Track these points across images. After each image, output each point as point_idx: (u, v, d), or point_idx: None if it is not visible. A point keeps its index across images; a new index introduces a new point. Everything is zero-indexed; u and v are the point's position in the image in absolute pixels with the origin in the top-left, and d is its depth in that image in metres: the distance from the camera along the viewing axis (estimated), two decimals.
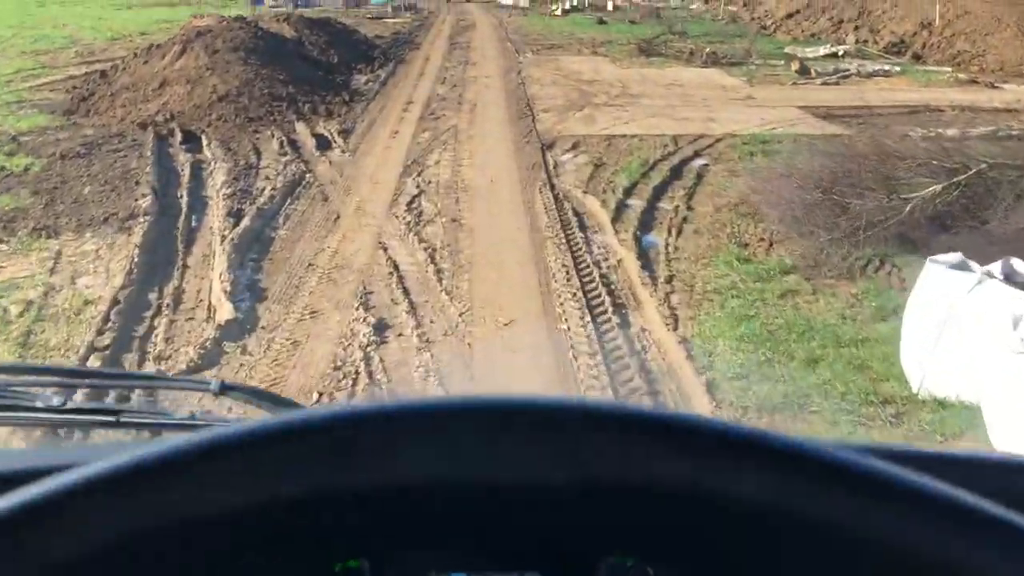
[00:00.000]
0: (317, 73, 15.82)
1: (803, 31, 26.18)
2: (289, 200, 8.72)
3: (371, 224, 8.00)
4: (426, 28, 29.77)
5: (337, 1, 44.74)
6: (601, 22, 30.76)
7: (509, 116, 13.48)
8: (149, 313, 5.95)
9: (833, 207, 7.41)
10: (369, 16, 35.66)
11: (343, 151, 10.94)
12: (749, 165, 10.17)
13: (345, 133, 11.93)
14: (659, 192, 9.15)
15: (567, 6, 40.25)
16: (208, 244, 7.39)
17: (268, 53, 14.62)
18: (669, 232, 7.83)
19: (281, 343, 5.49)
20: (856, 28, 24.33)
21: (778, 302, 6.17)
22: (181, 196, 8.78)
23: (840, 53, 20.60)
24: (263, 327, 5.74)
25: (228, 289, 6.18)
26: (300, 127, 12.03)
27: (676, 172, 10.00)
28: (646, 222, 8.15)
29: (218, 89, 12.61)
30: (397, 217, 8.18)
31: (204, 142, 11.11)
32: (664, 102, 14.67)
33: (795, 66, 17.59)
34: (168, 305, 6.07)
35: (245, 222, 7.81)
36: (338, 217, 8.23)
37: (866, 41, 23.46)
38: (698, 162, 10.52)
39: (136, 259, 6.79)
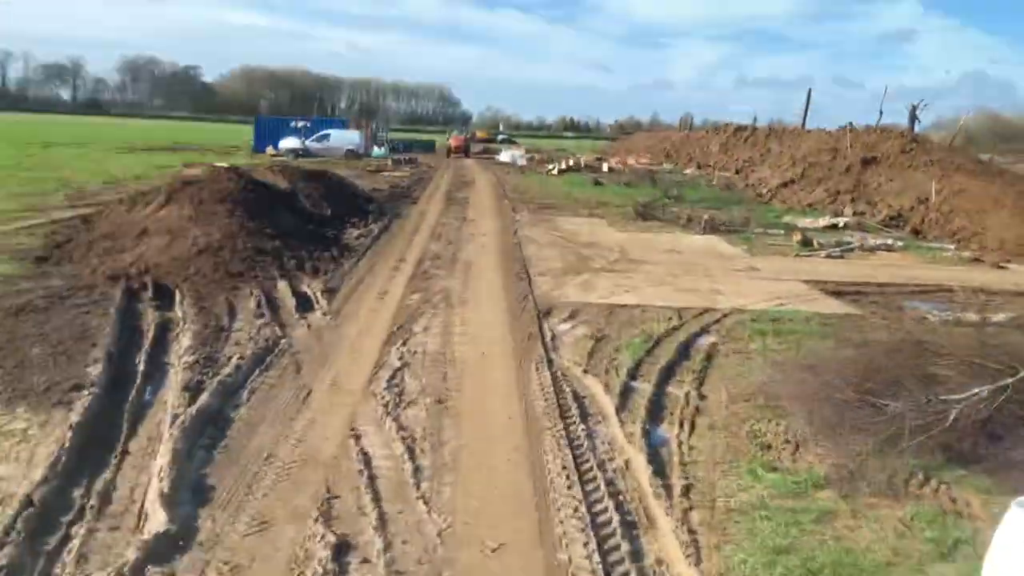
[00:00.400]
0: (307, 226, 15.35)
1: (799, 201, 26.30)
2: (258, 371, 7.86)
3: (345, 404, 7.11)
4: (424, 183, 29.97)
5: (339, 151, 45.67)
6: (597, 183, 31.04)
7: (504, 278, 12.87)
8: (67, 518, 4.95)
9: (865, 406, 6.59)
10: (369, 168, 36.11)
11: (325, 313, 10.19)
12: (762, 347, 9.42)
13: (330, 293, 11.23)
14: (667, 374, 8.34)
15: (563, 166, 41.00)
16: (157, 424, 6.47)
17: (257, 205, 14.18)
18: (681, 426, 6.95)
19: (217, 568, 4.48)
20: (853, 200, 24.41)
21: (815, 528, 5.22)
22: (138, 363, 7.91)
23: (840, 225, 20.42)
24: (200, 543, 4.74)
25: (167, 489, 5.22)
26: (282, 285, 11.33)
27: (683, 351, 9.22)
28: (655, 411, 7.28)
29: (199, 241, 12.01)
30: (375, 396, 7.30)
31: (177, 298, 10.36)
32: (665, 270, 14.15)
33: (797, 237, 17.26)
34: (92, 507, 5.08)
35: (204, 398, 6.90)
36: (309, 393, 7.34)
37: (864, 213, 23.44)
38: (706, 340, 9.77)
39: (68, 443, 5.85)
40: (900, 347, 7.41)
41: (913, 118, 32.82)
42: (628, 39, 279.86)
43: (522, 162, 44.99)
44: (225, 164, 19.10)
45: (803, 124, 48.72)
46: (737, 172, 45.24)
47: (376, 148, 55.75)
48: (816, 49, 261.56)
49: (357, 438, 6.35)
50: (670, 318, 10.67)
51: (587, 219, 21.07)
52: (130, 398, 6.99)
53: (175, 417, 6.49)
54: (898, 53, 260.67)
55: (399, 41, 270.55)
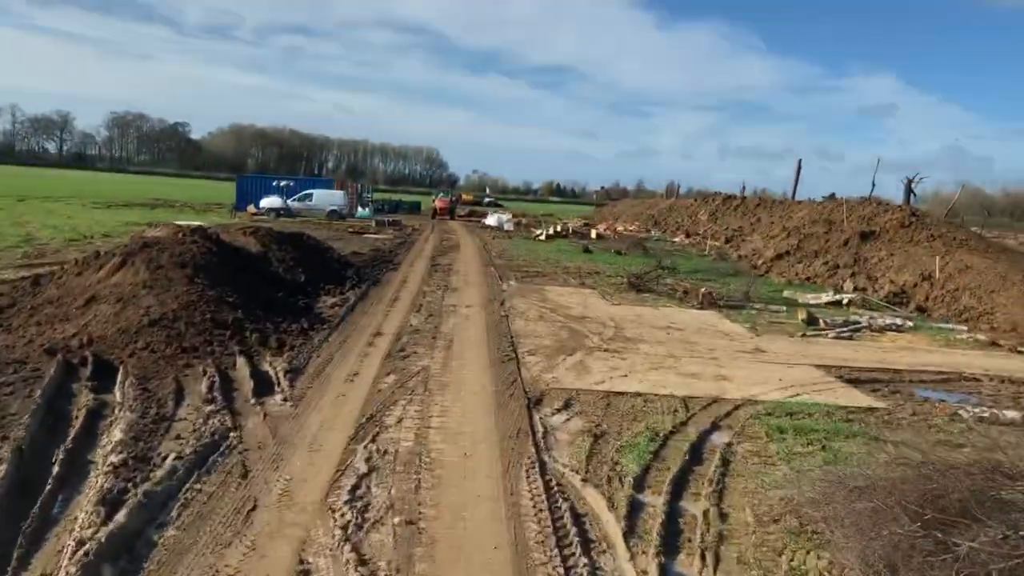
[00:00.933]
0: (277, 294, 14.17)
1: (797, 274, 25.39)
2: (197, 475, 6.59)
3: (296, 523, 5.85)
4: (408, 246, 28.93)
5: (322, 212, 44.71)
6: (587, 251, 30.10)
7: (490, 358, 11.68)
8: None
9: (930, 542, 5.39)
10: (352, 230, 35.06)
11: (285, 399, 8.95)
12: (784, 449, 8.24)
13: (293, 373, 9.99)
14: (679, 484, 7.13)
15: (551, 232, 40.17)
16: (57, 553, 5.18)
17: (222, 270, 13.00)
18: (703, 559, 5.72)
19: None
20: (853, 275, 23.51)
21: None
22: (54, 461, 6.63)
23: (844, 302, 19.43)
24: None
25: None
26: (241, 363, 10.10)
27: (695, 452, 8.04)
28: (670, 537, 6.05)
29: (152, 311, 10.78)
30: (334, 513, 6.04)
31: (119, 377, 9.11)
32: (665, 350, 13.01)
33: (802, 315, 16.23)
34: None
35: (122, 516, 5.63)
36: (254, 508, 6.08)
37: (865, 289, 22.52)
38: (719, 438, 8.59)
39: None
40: (957, 462, 6.24)
41: (909, 191, 32.28)
42: (614, 107, 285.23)
43: (509, 227, 44.21)
44: (196, 223, 17.96)
45: (793, 194, 48.41)
46: (727, 241, 44.64)
47: (360, 209, 54.97)
48: (798, 121, 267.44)
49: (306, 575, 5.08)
50: (676, 410, 9.50)
51: (577, 289, 19.99)
52: (32, 513, 5.71)
53: (80, 543, 5.21)
54: (878, 127, 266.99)
55: (387, 103, 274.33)
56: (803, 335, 15.08)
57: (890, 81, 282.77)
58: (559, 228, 42.50)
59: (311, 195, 45.75)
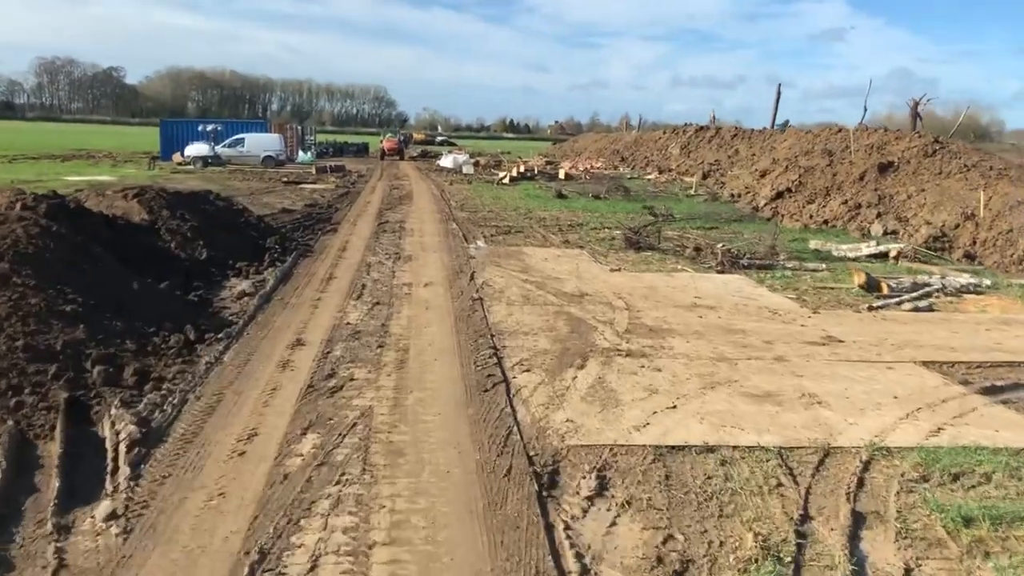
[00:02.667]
0: (159, 285, 10.01)
1: (810, 217, 21.70)
2: None
3: None
4: (351, 198, 24.63)
5: (256, 158, 39.92)
6: (560, 196, 26.09)
7: (465, 383, 7.81)
8: None
9: None
10: (287, 179, 30.46)
11: (114, 515, 5.00)
12: (1001, 569, 4.54)
13: (147, 443, 6.02)
14: None
15: (515, 173, 36.02)
16: None
17: (64, 259, 8.83)
18: None
19: None
20: (879, 216, 19.91)
21: None
22: None
23: (892, 254, 15.78)
24: None
25: None
26: (61, 427, 6.08)
27: None
28: None
29: None
30: None
31: None
32: (708, 347, 9.24)
33: (859, 279, 12.54)
34: None
35: None
36: None
37: (896, 232, 18.95)
38: (878, 550, 4.86)
39: None
40: None
41: (916, 116, 28.68)
42: (563, 39, 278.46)
43: (468, 169, 39.79)
44: (92, 180, 13.55)
45: (772, 123, 44.73)
46: (704, 177, 41.00)
47: (302, 153, 50.13)
48: (748, 49, 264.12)
49: None
50: (777, 481, 5.81)
51: (563, 250, 16.09)
52: None
53: None
54: (827, 52, 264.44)
55: (332, 42, 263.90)
56: (870, 308, 11.39)
57: (838, 5, 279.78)
58: (522, 169, 38.28)
59: (243, 140, 40.83)
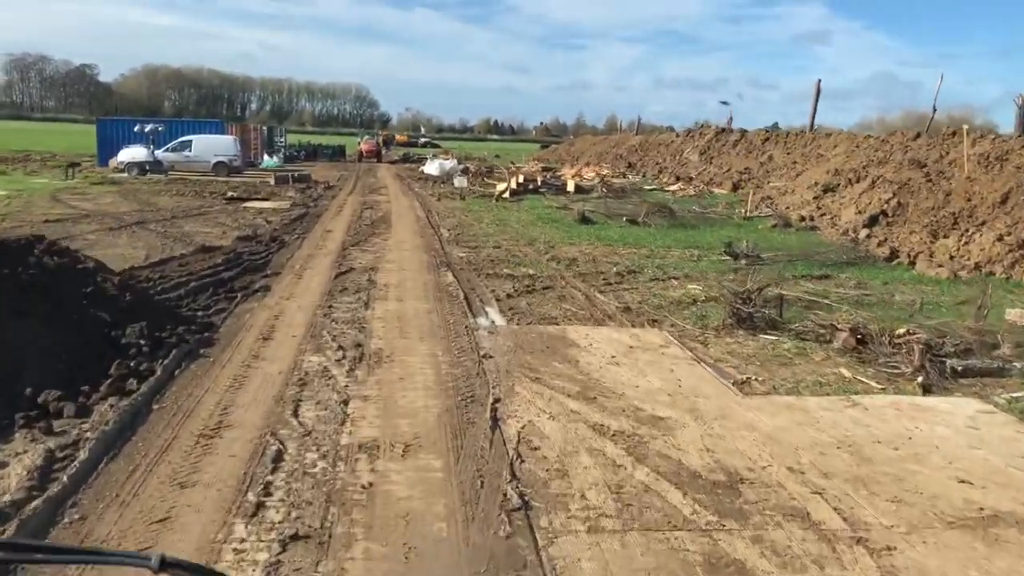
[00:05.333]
0: None
1: (951, 258, 15.52)
2: None
3: None
4: (306, 226, 18.21)
5: (206, 165, 33.42)
6: (584, 220, 19.74)
7: None
8: None
9: None
10: (230, 195, 23.86)
11: None
12: None
13: None
14: None
15: (514, 185, 29.74)
16: None
17: None
18: None
19: None
20: None
21: None
22: None
23: None
24: None
25: None
26: None
27: None
28: None
29: None
30: None
31: None
32: None
33: None
34: None
35: None
36: None
37: None
38: None
39: None
40: None
41: None
42: (544, 40, 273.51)
43: (461, 181, 33.18)
44: None
45: (811, 124, 38.71)
46: (735, 188, 34.91)
47: (267, 157, 43.62)
48: (729, 51, 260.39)
49: None
50: None
51: (631, 333, 9.86)
52: None
53: None
54: (808, 55, 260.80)
55: (312, 41, 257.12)
56: None
57: (818, 8, 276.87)
58: (521, 179, 31.98)
59: (189, 143, 34.18)
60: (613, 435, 6.37)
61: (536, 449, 6.05)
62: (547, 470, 5.70)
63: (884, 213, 19.56)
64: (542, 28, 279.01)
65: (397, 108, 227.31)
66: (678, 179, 39.52)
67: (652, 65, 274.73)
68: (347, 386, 7.33)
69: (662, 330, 9.94)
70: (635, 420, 6.74)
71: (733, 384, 7.90)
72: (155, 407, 6.68)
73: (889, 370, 8.52)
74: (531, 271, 13.41)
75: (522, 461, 5.82)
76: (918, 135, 26.49)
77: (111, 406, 6.53)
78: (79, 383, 6.86)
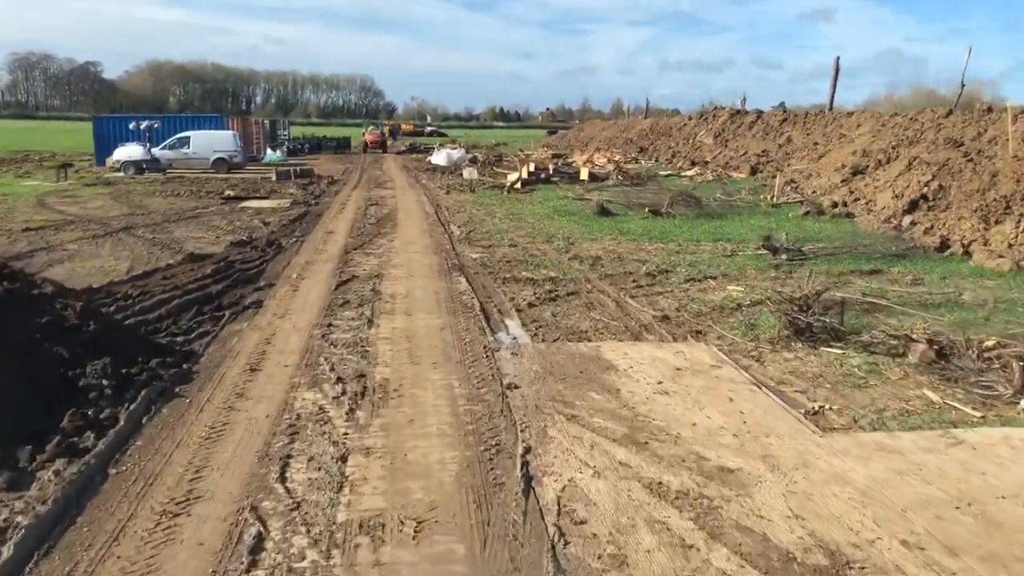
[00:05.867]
0: None
1: (1010, 246, 14.17)
2: None
3: None
4: (307, 226, 16.99)
5: (204, 162, 32.22)
6: (604, 211, 18.45)
7: None
8: None
9: None
10: (229, 194, 22.67)
11: None
12: None
13: None
14: None
15: (525, 175, 28.42)
16: None
17: None
18: None
19: None
20: None
21: None
22: None
23: None
24: None
25: None
26: None
27: None
28: None
29: None
30: None
31: None
32: None
33: None
34: None
35: None
36: None
37: None
38: None
39: None
40: None
41: None
42: (548, 25, 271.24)
43: (471, 173, 31.75)
44: None
45: (830, 104, 37.20)
46: (754, 172, 33.54)
47: (270, 152, 42.43)
48: (734, 31, 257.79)
49: None
50: None
51: (673, 349, 8.64)
52: None
53: None
54: (814, 33, 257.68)
55: (317, 32, 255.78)
56: None
57: None
58: (532, 168, 30.63)
59: (187, 139, 32.96)
60: (676, 498, 5.12)
61: (582, 524, 4.81)
62: (599, 556, 4.46)
63: (924, 197, 18.19)
64: (546, 13, 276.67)
65: (402, 98, 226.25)
66: (693, 164, 38.11)
67: (657, 48, 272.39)
68: (346, 434, 6.10)
69: (709, 344, 8.67)
70: (699, 474, 5.48)
71: (805, 416, 6.63)
72: (112, 471, 5.47)
73: (983, 391, 7.23)
74: (552, 273, 12.15)
75: (566, 543, 4.59)
76: (950, 112, 25.03)
77: (56, 473, 5.33)
78: (19, 443, 5.65)
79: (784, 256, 13.01)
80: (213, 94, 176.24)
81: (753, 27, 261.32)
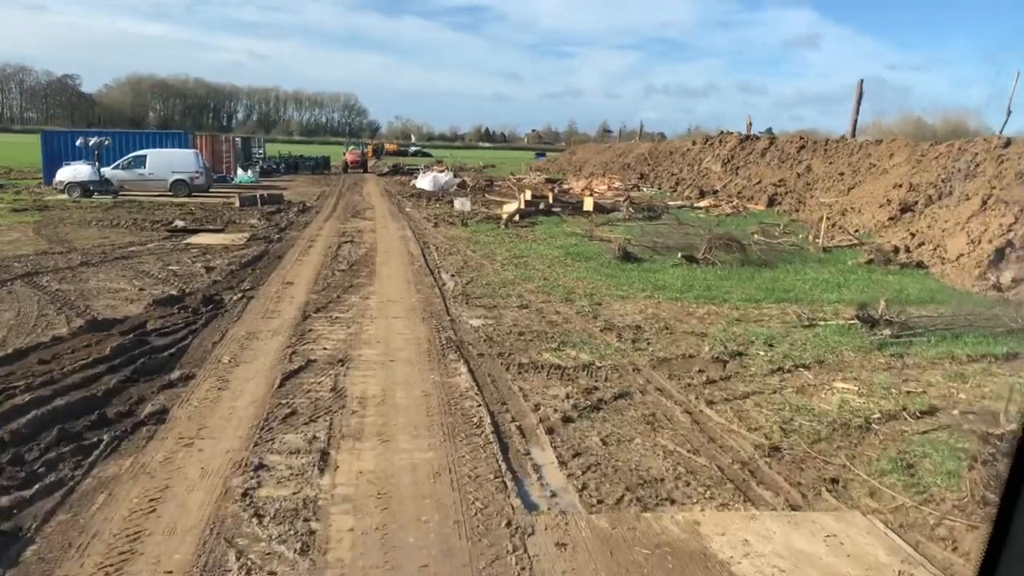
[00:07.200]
0: None
1: None
2: None
3: None
4: (262, 273, 13.59)
5: (163, 184, 28.75)
6: (627, 256, 15.17)
7: None
8: None
9: None
10: (177, 226, 19.22)
11: None
12: None
13: None
14: None
15: (522, 204, 25.18)
16: None
17: None
18: None
19: None
20: None
21: None
22: None
23: None
24: None
25: None
26: None
27: None
28: None
29: None
30: None
31: None
32: None
33: None
34: None
35: None
36: None
37: None
38: None
39: None
40: None
41: None
42: (535, 47, 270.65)
43: (463, 204, 28.17)
44: None
45: (853, 130, 34.30)
46: (771, 203, 30.57)
47: (241, 172, 39.02)
48: (719, 57, 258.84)
49: None
50: None
51: (832, 545, 5.32)
52: None
53: None
54: (798, 60, 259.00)
55: (301, 50, 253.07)
56: None
57: (806, 14, 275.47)
58: (529, 197, 27.39)
59: (143, 158, 29.45)
60: None
61: None
62: None
63: (1011, 244, 15.10)
64: (532, 36, 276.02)
65: (387, 116, 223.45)
66: (702, 193, 35.05)
67: (642, 72, 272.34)
68: None
69: (867, 516, 5.38)
70: None
71: None
72: None
73: None
74: (584, 356, 8.85)
75: None
76: (1008, 143, 22.05)
77: None
78: None
79: (887, 331, 9.78)
80: (194, 110, 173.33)
81: (737, 54, 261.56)
